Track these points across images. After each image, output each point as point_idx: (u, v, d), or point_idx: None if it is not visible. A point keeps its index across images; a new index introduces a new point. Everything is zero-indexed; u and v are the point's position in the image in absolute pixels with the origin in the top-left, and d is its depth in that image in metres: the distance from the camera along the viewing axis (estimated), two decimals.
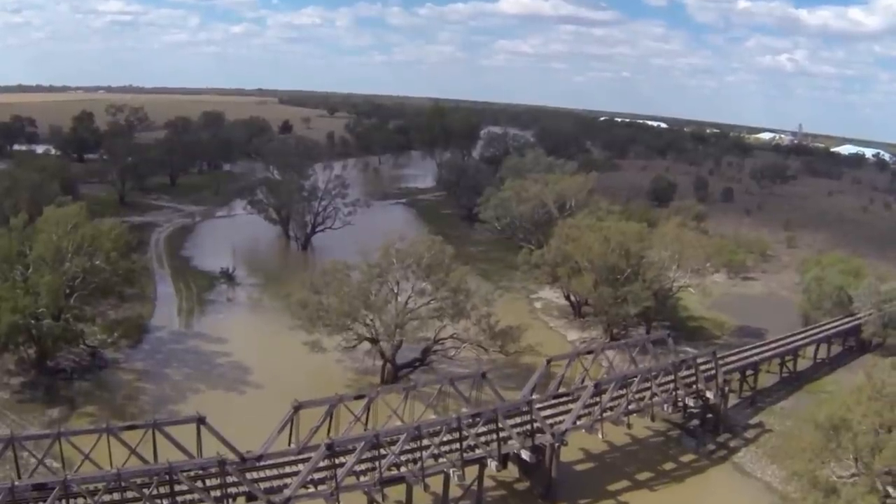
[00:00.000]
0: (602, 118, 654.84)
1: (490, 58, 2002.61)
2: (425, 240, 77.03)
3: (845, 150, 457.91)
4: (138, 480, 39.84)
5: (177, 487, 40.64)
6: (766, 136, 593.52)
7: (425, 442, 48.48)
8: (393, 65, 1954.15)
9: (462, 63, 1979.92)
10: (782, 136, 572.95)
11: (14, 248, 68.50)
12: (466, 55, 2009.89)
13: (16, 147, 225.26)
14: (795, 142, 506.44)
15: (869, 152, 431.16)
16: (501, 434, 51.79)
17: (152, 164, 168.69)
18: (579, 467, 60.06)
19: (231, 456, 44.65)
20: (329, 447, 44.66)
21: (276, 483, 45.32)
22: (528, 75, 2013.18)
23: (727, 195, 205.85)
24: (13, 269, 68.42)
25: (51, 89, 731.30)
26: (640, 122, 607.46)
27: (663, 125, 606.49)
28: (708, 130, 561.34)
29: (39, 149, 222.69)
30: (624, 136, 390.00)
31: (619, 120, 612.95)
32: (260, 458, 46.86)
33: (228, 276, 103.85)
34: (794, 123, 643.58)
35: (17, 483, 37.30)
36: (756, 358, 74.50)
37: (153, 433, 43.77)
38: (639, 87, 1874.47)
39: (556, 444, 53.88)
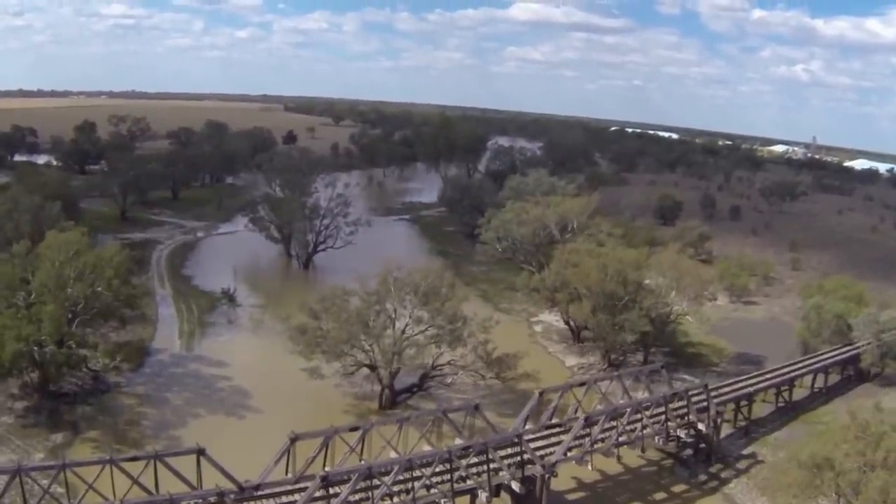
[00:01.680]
0: (613, 128, 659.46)
1: (500, 65, 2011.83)
2: (422, 269, 79.83)
3: (859, 164, 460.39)
4: None
5: None
6: (779, 148, 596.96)
7: (417, 473, 51.17)
8: (401, 71, 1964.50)
9: (471, 70, 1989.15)
10: (795, 149, 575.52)
11: (16, 275, 71.32)
12: (476, 62, 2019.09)
13: (17, 157, 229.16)
14: (809, 155, 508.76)
15: (883, 167, 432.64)
16: (492, 465, 54.39)
17: (154, 178, 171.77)
18: (571, 496, 62.50)
19: (230, 486, 47.46)
20: (324, 479, 47.31)
21: None
22: (539, 83, 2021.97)
23: (735, 213, 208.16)
24: (16, 294, 71.23)
25: (52, 94, 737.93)
26: (652, 132, 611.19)
27: (675, 136, 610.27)
28: (720, 142, 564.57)
29: (41, 159, 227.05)
30: (633, 148, 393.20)
31: (630, 130, 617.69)
32: (258, 487, 49.55)
33: (229, 297, 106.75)
34: (808, 135, 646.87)
35: None
36: (751, 389, 76.57)
37: (154, 464, 46.43)
38: (651, 96, 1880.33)
39: (547, 476, 56.43)
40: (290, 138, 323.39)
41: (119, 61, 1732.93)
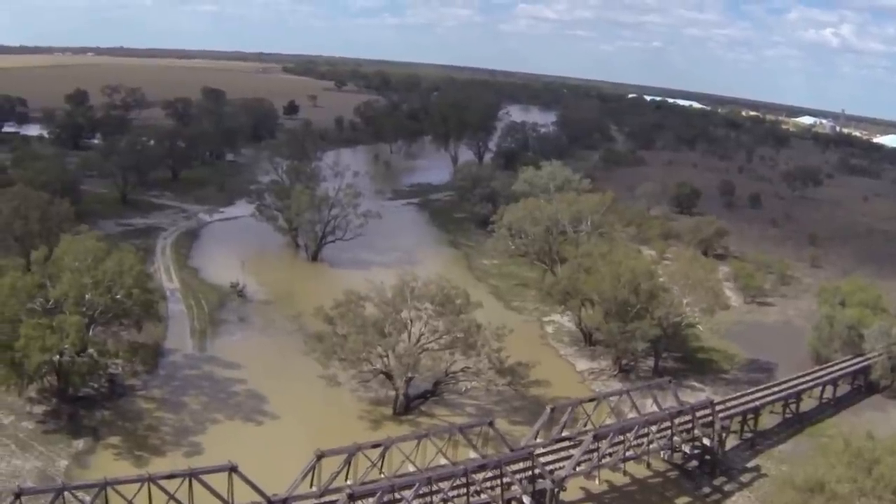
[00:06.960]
0: (630, 95, 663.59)
1: (510, 23, 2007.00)
2: (437, 280, 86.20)
3: (890, 140, 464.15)
4: None
5: None
6: (806, 120, 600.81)
7: (435, 487, 57.86)
8: (405, 28, 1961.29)
9: (480, 28, 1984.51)
10: (823, 121, 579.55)
11: (36, 282, 76.99)
12: (485, 19, 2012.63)
13: (6, 129, 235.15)
14: (837, 129, 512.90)
15: None
16: (505, 480, 61.07)
17: (154, 160, 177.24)
18: None
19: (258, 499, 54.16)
20: (351, 496, 53.94)
21: None
22: (552, 43, 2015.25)
23: (755, 201, 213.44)
24: (34, 300, 76.67)
25: (35, 50, 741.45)
26: (671, 101, 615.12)
27: (696, 104, 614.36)
28: (744, 113, 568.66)
29: (32, 129, 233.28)
30: (651, 121, 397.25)
31: (649, 98, 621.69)
32: (285, 501, 56.19)
33: (239, 293, 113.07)
34: (837, 104, 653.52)
35: None
36: (757, 403, 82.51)
37: (189, 481, 52.93)
38: (671, 59, 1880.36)
39: (556, 490, 63.15)
40: (292, 108, 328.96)
41: (105, 15, 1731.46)
